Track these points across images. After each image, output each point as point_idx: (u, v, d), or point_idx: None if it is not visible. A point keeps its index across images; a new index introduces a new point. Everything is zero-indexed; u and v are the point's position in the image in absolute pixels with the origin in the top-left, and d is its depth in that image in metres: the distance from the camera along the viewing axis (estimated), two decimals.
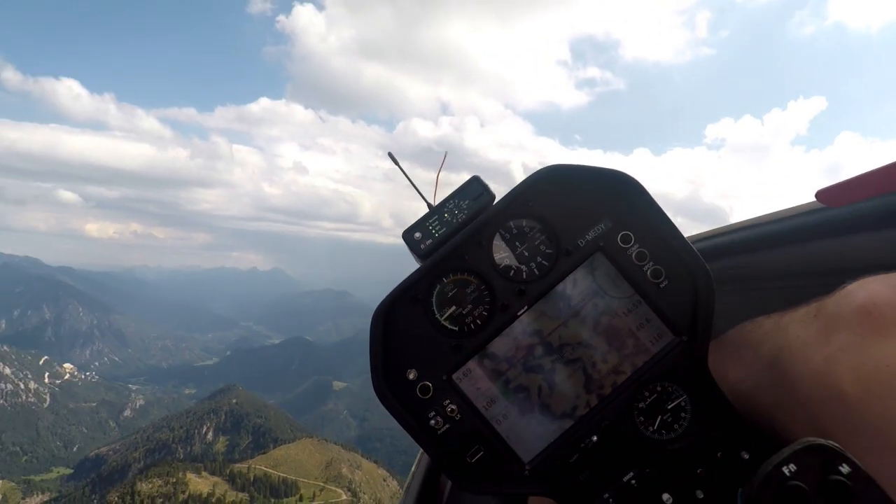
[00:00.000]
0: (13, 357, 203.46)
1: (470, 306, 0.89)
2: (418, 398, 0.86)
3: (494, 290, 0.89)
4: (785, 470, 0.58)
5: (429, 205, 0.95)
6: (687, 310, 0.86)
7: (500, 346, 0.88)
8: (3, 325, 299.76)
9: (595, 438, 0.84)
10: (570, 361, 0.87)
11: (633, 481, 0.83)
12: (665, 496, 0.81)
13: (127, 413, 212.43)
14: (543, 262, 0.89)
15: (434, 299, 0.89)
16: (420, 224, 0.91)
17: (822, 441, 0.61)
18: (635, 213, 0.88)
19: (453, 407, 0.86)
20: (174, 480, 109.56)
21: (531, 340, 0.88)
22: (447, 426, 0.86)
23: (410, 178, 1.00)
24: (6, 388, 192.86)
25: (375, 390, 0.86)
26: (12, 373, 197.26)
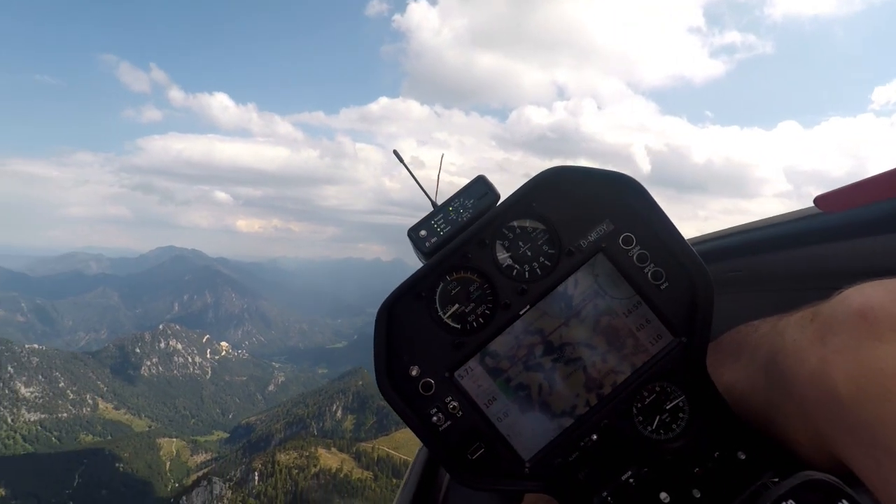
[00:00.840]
0: (183, 335, 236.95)
1: (472, 304, 0.89)
2: (420, 394, 0.87)
3: (497, 289, 0.89)
4: None
5: (433, 203, 0.96)
6: (686, 311, 0.86)
7: (502, 344, 0.88)
8: (177, 308, 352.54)
9: (595, 437, 0.85)
10: (570, 361, 0.87)
11: (632, 480, 0.83)
12: (663, 495, 0.81)
13: (271, 388, 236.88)
14: (545, 262, 0.89)
15: (437, 297, 0.90)
16: (425, 222, 0.92)
17: (820, 476, 0.60)
18: (637, 216, 0.89)
19: (455, 404, 0.86)
20: (307, 454, 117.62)
21: (532, 339, 0.88)
22: (448, 423, 0.86)
23: (416, 176, 1.01)
24: (178, 360, 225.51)
25: (378, 385, 0.87)
26: (183, 348, 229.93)
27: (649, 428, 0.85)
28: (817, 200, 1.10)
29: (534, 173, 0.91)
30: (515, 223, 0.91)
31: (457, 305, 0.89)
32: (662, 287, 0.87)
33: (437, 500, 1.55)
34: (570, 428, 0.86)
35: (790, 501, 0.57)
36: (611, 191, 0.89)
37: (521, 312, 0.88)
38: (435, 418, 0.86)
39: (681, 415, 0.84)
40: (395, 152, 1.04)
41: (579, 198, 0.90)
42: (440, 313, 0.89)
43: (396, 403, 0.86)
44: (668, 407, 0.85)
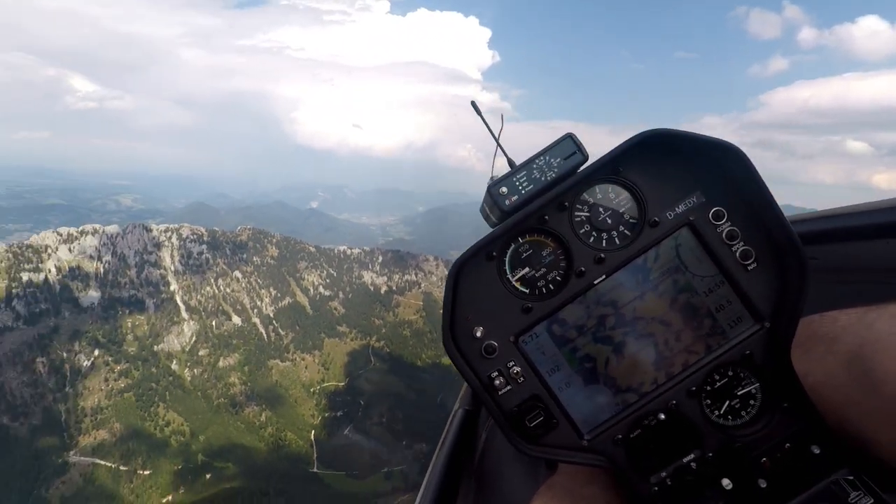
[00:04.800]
0: None
1: (544, 269, 0.86)
2: (483, 356, 0.86)
3: (572, 256, 0.86)
4: None
5: (510, 162, 0.90)
6: (774, 296, 0.82)
7: (572, 313, 0.86)
8: None
9: (662, 416, 0.83)
10: (641, 336, 0.85)
11: (693, 463, 0.81)
12: (725, 481, 0.80)
13: None
14: (626, 231, 0.86)
15: (507, 259, 0.87)
16: (507, 178, 0.86)
17: None
18: (733, 189, 0.83)
19: (517, 369, 0.85)
20: None
21: (604, 311, 0.86)
22: (509, 387, 0.85)
23: (494, 131, 0.93)
24: None
25: (443, 342, 0.86)
26: None
27: (717, 412, 0.83)
28: None
29: None
30: (598, 188, 0.86)
31: (527, 269, 0.87)
32: (750, 268, 0.83)
33: (474, 461, 1.55)
34: (634, 404, 0.85)
35: None
36: (709, 160, 0.83)
37: (595, 282, 0.85)
38: (497, 381, 0.85)
39: (752, 402, 0.82)
40: (473, 103, 0.97)
41: (672, 165, 0.85)
42: (509, 276, 0.87)
43: (459, 363, 0.85)
44: (739, 393, 0.83)
